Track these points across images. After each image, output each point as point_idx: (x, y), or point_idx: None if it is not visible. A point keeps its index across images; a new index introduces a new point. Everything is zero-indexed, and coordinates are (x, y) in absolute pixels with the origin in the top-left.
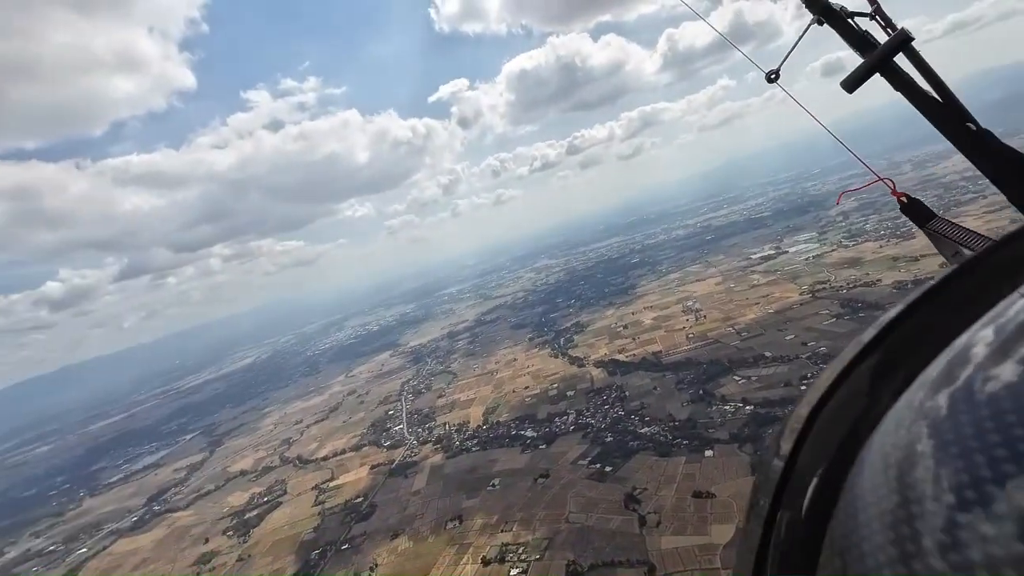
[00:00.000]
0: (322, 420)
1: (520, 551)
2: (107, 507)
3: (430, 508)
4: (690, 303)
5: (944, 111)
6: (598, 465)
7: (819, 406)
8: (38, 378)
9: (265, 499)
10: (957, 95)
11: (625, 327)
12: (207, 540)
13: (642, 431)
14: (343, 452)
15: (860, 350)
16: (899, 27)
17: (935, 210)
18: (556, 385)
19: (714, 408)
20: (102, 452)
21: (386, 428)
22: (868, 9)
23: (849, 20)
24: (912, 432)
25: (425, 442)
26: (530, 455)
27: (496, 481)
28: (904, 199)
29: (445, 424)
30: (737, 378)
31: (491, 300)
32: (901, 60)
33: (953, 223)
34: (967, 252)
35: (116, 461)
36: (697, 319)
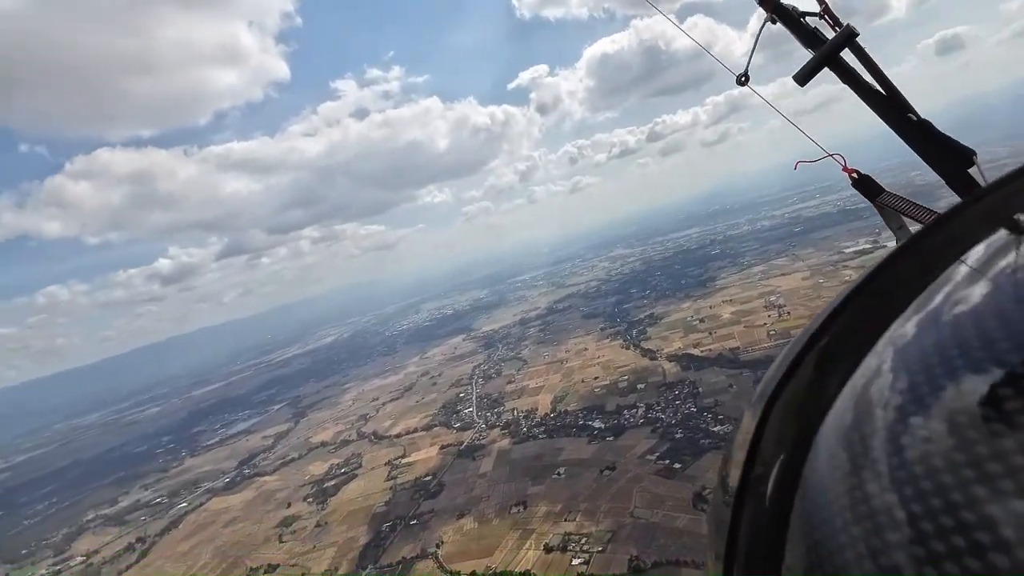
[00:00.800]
0: (397, 399)
1: (583, 542)
2: (204, 467)
3: (495, 491)
4: (773, 298)
5: (887, 103)
6: (667, 461)
7: (773, 398)
8: (150, 346)
9: (342, 470)
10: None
11: (702, 321)
12: (289, 505)
13: (715, 429)
14: (415, 431)
15: (807, 339)
16: (845, 24)
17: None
18: (627, 377)
19: None
20: (202, 416)
21: (456, 410)
22: (818, 9)
23: (800, 19)
24: (858, 414)
25: (493, 426)
26: (597, 446)
27: (562, 470)
28: (855, 175)
29: (513, 410)
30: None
31: (564, 288)
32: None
33: (900, 197)
34: (911, 224)
35: (213, 425)
36: (780, 315)
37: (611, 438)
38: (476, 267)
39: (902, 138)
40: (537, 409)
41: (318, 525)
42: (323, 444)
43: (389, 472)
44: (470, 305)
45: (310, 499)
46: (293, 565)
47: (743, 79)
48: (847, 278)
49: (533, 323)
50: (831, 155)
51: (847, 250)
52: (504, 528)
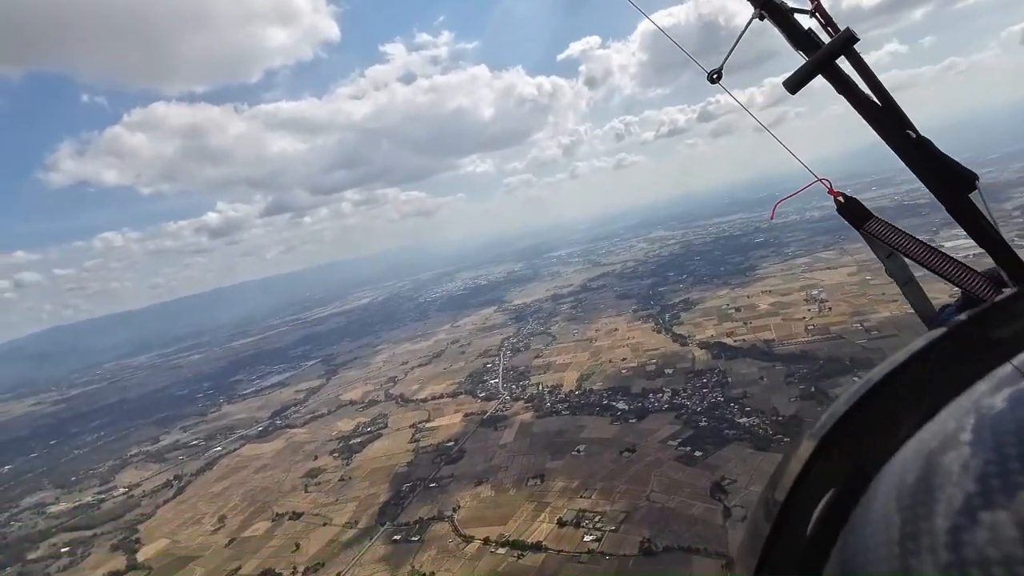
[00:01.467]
0: (425, 364)
1: (596, 519)
2: (240, 415)
3: (515, 463)
4: (815, 292)
5: (885, 116)
6: (688, 448)
7: (835, 430)
8: (196, 296)
9: (368, 429)
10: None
11: (737, 310)
12: (316, 457)
13: (740, 421)
14: (441, 397)
15: (882, 378)
16: (841, 28)
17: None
18: (655, 361)
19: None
20: (241, 366)
21: (483, 380)
22: (809, 6)
23: (791, 17)
24: (927, 476)
25: (517, 399)
26: (619, 427)
27: (582, 448)
28: (841, 198)
29: (539, 384)
30: (858, 379)
31: (600, 267)
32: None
33: (890, 225)
34: (900, 255)
35: (250, 376)
36: (821, 310)
37: (634, 420)
38: (513, 239)
39: (898, 155)
40: (562, 385)
41: (342, 479)
42: (352, 402)
43: (413, 434)
44: (504, 277)
45: (336, 454)
46: (316, 515)
47: (715, 76)
48: None
49: (565, 299)
50: (820, 180)
51: None
52: (520, 499)
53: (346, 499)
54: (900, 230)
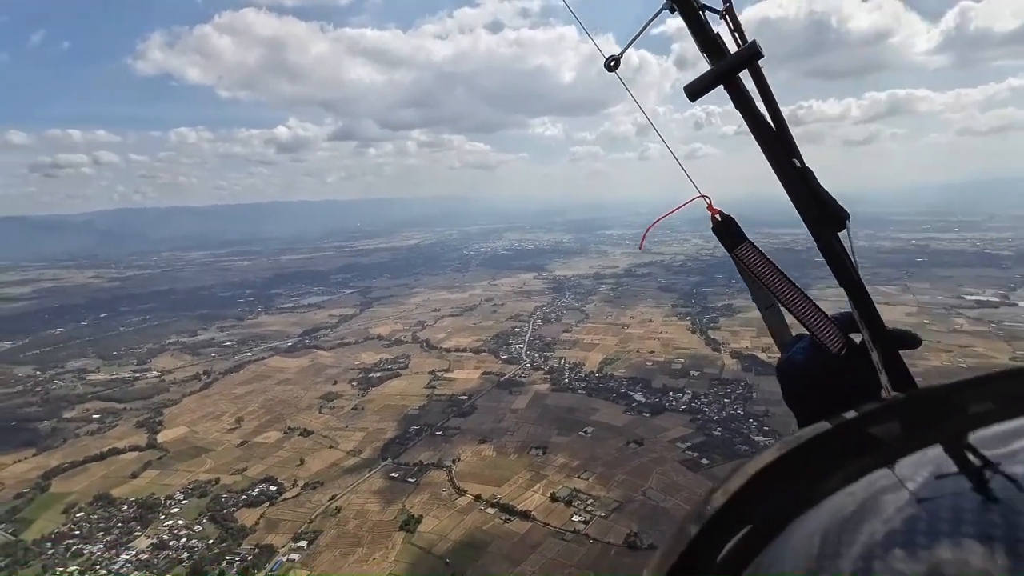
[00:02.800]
0: (456, 316)
1: (588, 502)
2: (273, 326)
3: (521, 429)
4: None
5: (776, 140)
6: (695, 454)
7: (765, 470)
8: (255, 205)
9: (389, 366)
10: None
11: None
12: (335, 383)
13: (755, 438)
14: (464, 350)
15: (825, 431)
16: (749, 39)
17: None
18: (683, 360)
19: None
20: (283, 281)
21: (508, 342)
22: (721, 7)
23: (700, 14)
24: (844, 532)
25: (537, 368)
26: (631, 417)
27: (590, 429)
28: (719, 216)
29: (561, 359)
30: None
31: (648, 254)
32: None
33: (761, 253)
34: (767, 287)
35: (290, 292)
36: None
37: (648, 414)
38: (568, 209)
39: (781, 182)
40: (584, 364)
41: (355, 408)
42: (379, 337)
43: (430, 381)
44: (551, 245)
45: (354, 383)
46: (324, 436)
47: (612, 63)
48: (957, 326)
49: (607, 280)
50: (702, 195)
51: (968, 297)
52: (519, 465)
53: (355, 428)
54: (768, 260)
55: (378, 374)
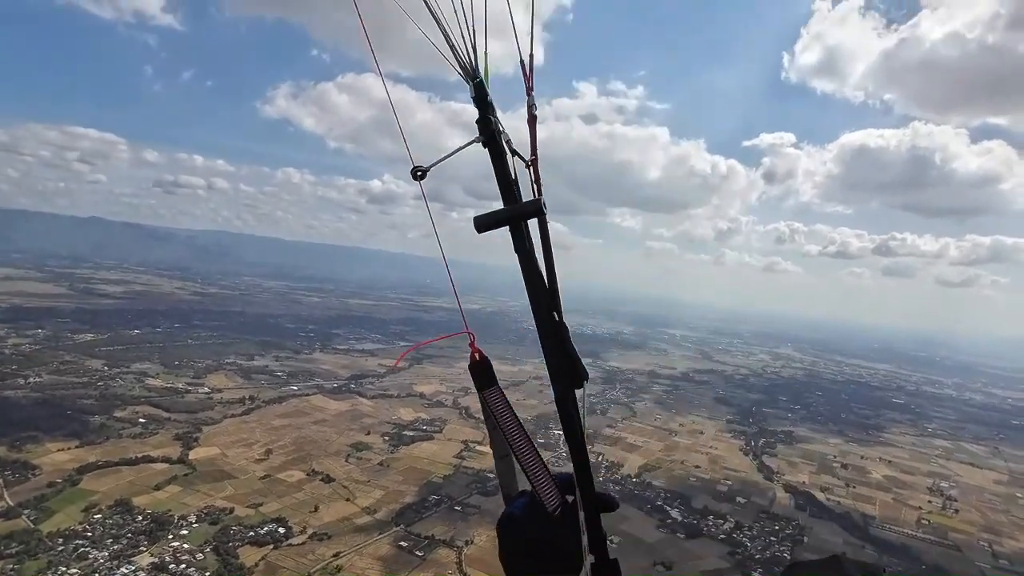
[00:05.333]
0: (503, 388)
1: None
2: (325, 365)
3: None
4: (945, 485)
5: (544, 292)
6: None
7: None
8: (339, 247)
9: (424, 427)
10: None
11: (844, 467)
12: (368, 433)
13: None
14: None
15: None
16: (542, 195)
17: None
18: (730, 482)
19: None
20: (345, 322)
21: (547, 426)
22: (528, 157)
23: (505, 158)
24: None
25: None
26: (664, 535)
27: (616, 539)
28: (477, 356)
29: (600, 455)
30: None
31: (709, 361)
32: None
33: (505, 401)
34: (505, 436)
35: (348, 335)
36: (945, 507)
37: (682, 535)
38: (634, 301)
39: (539, 331)
40: (623, 466)
41: (381, 464)
42: (421, 395)
43: (461, 450)
44: (610, 334)
45: (387, 437)
46: (344, 487)
47: (420, 173)
48: None
49: (662, 380)
50: (468, 331)
51: None
52: None
53: (376, 484)
54: (512, 411)
55: (412, 433)
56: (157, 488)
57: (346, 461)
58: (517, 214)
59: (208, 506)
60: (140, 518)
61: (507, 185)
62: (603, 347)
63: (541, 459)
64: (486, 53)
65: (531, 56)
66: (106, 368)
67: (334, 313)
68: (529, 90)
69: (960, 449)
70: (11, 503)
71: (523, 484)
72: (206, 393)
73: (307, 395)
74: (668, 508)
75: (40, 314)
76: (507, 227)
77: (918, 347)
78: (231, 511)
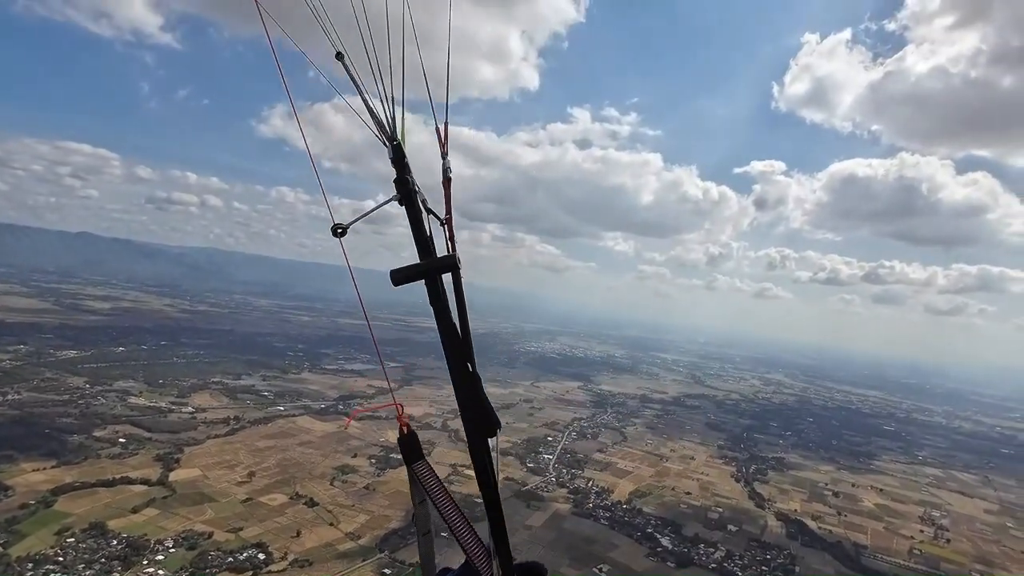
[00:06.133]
0: None
1: None
2: (313, 385)
3: (532, 551)
4: (936, 514)
5: (458, 343)
6: None
7: None
8: (330, 265)
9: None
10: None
11: (836, 495)
12: (355, 456)
13: None
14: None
15: None
16: (457, 252)
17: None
18: (721, 510)
19: None
20: (335, 342)
21: (537, 450)
22: (443, 216)
23: (421, 216)
24: None
25: (563, 485)
26: (653, 563)
27: (605, 568)
28: (405, 429)
29: (590, 480)
30: None
31: (701, 386)
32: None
33: (434, 474)
34: (432, 504)
35: (338, 355)
36: (937, 537)
37: (672, 565)
38: (626, 325)
39: (452, 381)
40: (613, 491)
41: (367, 488)
42: (410, 417)
43: (449, 475)
44: (602, 357)
45: (373, 460)
46: (329, 511)
47: (340, 231)
48: None
49: (653, 404)
50: (396, 404)
51: None
52: None
53: (361, 508)
54: (441, 483)
55: (398, 456)
56: (134, 511)
57: (331, 484)
58: (432, 268)
59: (186, 530)
60: (115, 542)
61: (423, 241)
62: (594, 370)
63: (474, 530)
64: (403, 117)
65: (446, 124)
66: (88, 386)
67: (324, 333)
68: (444, 155)
69: (951, 477)
70: None
71: (446, 561)
72: (190, 413)
73: (293, 415)
74: (658, 536)
75: (23, 329)
76: (427, 279)
77: (908, 374)
78: (210, 535)
